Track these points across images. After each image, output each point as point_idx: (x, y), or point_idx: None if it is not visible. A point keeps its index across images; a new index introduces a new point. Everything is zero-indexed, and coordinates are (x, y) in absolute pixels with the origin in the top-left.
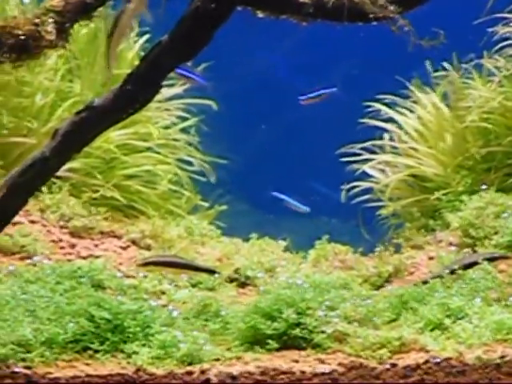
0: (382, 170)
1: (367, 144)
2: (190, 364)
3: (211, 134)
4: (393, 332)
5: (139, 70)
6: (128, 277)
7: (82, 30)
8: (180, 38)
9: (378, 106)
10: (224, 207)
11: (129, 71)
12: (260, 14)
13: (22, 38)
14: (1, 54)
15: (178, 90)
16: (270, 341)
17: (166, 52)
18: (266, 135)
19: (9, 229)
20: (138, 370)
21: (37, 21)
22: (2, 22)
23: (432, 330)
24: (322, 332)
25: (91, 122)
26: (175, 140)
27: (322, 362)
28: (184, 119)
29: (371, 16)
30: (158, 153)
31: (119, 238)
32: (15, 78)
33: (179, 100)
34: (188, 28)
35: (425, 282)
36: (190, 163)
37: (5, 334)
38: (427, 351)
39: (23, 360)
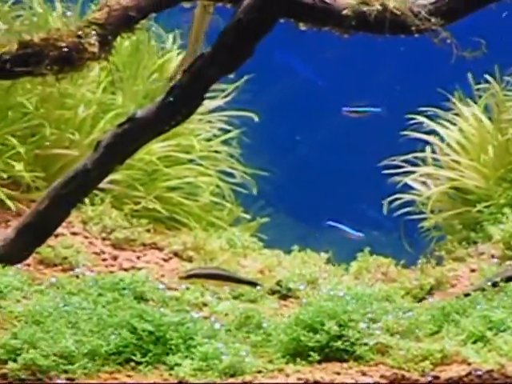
0: (424, 183)
1: (409, 156)
2: (232, 376)
3: (253, 145)
4: (435, 344)
5: (182, 83)
6: (170, 289)
7: (124, 43)
8: (222, 50)
9: (420, 118)
10: (266, 219)
11: (171, 84)
12: (302, 27)
13: (65, 50)
14: (44, 66)
15: (219, 102)
16: (311, 353)
17: (208, 64)
18: (307, 147)
19: (51, 240)
20: (180, 382)
21: (80, 33)
22: (45, 35)
23: (474, 343)
24: (365, 344)
25: (133, 134)
26: (217, 152)
27: (364, 374)
28: (226, 131)
29: (413, 28)
30: (200, 165)
31: (161, 249)
32: (58, 90)
33: (221, 112)
34: (230, 40)
35: (467, 295)
36: (231, 175)
37: (47, 345)
38: (469, 364)
39: (65, 372)
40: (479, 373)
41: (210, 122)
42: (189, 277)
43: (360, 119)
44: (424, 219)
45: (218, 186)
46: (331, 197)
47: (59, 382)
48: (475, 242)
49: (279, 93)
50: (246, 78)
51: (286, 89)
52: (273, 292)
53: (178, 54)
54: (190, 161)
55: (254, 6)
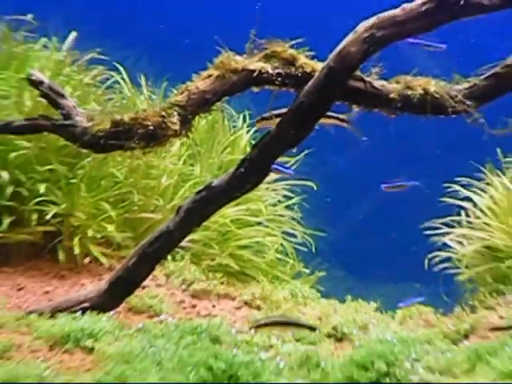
0: (460, 242)
1: (447, 219)
2: None
3: (312, 210)
4: (470, 381)
5: (251, 156)
6: (241, 332)
7: (201, 121)
8: (286, 128)
9: (455, 187)
10: (323, 273)
11: (241, 157)
12: (355, 108)
13: (151, 128)
14: (132, 142)
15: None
16: None
17: (274, 140)
18: (358, 211)
19: (138, 291)
20: None
21: (163, 113)
22: (134, 115)
23: (504, 380)
24: (409, 381)
25: (210, 200)
26: (281, 215)
27: None
28: (289, 198)
29: (450, 110)
30: (267, 226)
31: (233, 299)
32: (144, 162)
33: (285, 181)
34: (293, 120)
35: (495, 328)
36: (293, 235)
37: (135, 382)
38: None
39: None
40: None
41: (275, 189)
42: (258, 327)
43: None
44: (459, 273)
45: (281, 245)
46: (378, 254)
47: None
48: (504, 293)
49: (334, 165)
50: (305, 152)
51: (340, 161)
52: (329, 335)
53: (248, 131)
54: (258, 223)
55: (313, 91)
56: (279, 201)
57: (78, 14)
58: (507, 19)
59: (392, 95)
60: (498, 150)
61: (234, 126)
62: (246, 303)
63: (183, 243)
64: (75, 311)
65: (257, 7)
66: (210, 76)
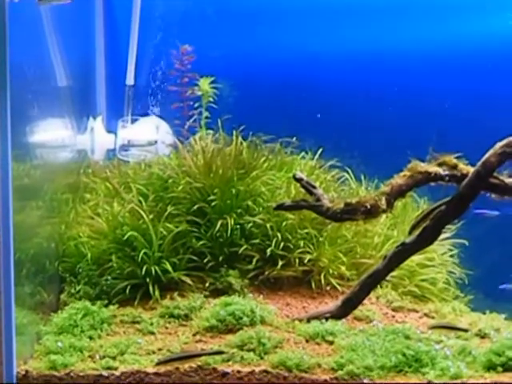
0: None
1: None
2: (454, 378)
3: (464, 257)
4: None
5: (428, 226)
6: (423, 332)
7: (399, 202)
8: (453, 208)
9: None
10: (471, 297)
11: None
12: (492, 196)
13: (368, 207)
14: (358, 215)
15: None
16: (498, 367)
17: (444, 216)
18: (493, 259)
19: (360, 307)
20: (429, 381)
21: (376, 198)
22: (358, 199)
23: None
24: None
25: (404, 252)
26: (446, 260)
27: None
28: (450, 250)
29: None
30: (437, 267)
31: (417, 312)
32: (364, 228)
33: (446, 240)
34: (456, 203)
35: None
36: (453, 273)
37: (359, 362)
38: None
39: (368, 376)
40: None
41: (442, 244)
42: (432, 328)
43: None
44: None
45: (446, 279)
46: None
47: (365, 381)
48: None
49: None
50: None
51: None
52: (476, 334)
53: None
54: (432, 266)
55: (468, 186)
56: (445, 252)
57: (324, 139)
58: None
59: None
60: None
61: (418, 206)
62: (425, 315)
63: (388, 278)
64: (321, 318)
65: None
66: (405, 175)
